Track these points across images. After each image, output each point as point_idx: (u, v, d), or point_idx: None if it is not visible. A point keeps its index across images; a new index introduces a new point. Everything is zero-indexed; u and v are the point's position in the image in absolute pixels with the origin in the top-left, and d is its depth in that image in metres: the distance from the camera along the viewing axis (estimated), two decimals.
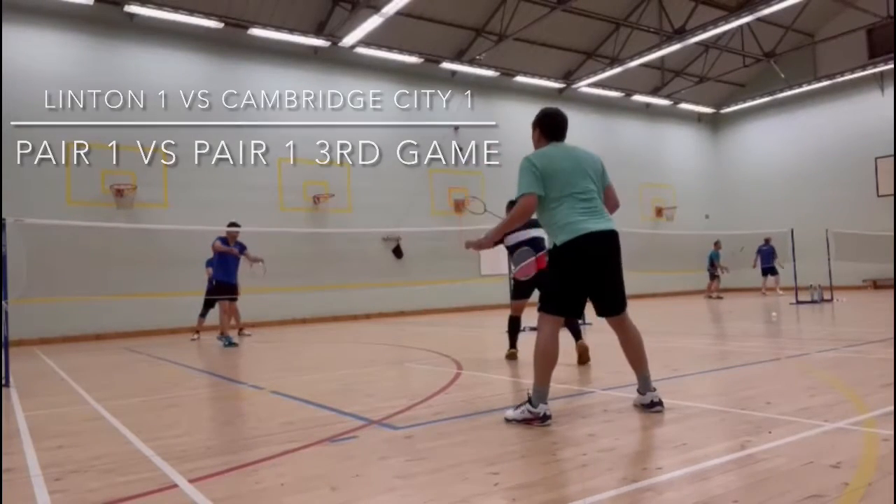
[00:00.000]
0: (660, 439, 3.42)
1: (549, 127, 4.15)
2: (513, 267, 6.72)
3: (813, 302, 14.92)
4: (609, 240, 3.91)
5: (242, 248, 10.88)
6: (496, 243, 6.95)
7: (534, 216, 4.27)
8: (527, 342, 8.86)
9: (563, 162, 3.93)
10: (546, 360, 3.82)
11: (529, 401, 3.79)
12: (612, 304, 4.02)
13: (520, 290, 6.99)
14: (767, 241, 19.61)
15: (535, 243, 6.50)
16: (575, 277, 3.88)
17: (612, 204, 4.20)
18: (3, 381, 6.33)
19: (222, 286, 10.74)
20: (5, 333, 6.81)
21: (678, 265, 22.65)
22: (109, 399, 5.51)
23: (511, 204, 7.21)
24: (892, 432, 3.13)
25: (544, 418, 3.72)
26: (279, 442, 3.64)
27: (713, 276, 20.35)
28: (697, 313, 14.10)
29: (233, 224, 10.88)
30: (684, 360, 6.54)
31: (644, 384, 4.02)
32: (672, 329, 10.34)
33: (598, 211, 3.94)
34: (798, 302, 14.93)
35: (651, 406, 3.96)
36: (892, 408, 3.70)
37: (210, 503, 2.64)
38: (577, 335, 6.43)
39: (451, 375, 5.93)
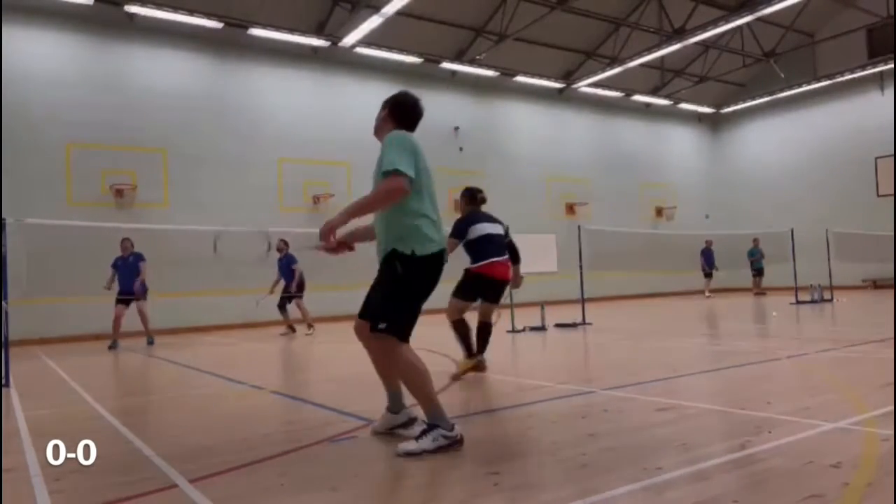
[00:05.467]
0: (660, 439, 3.42)
1: (408, 119, 3.64)
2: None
3: (813, 302, 14.91)
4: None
5: (138, 258, 11.22)
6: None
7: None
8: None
9: (425, 161, 3.43)
10: (423, 377, 3.34)
11: (434, 426, 3.25)
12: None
13: (473, 292, 5.87)
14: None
15: (496, 241, 5.82)
16: (423, 296, 3.40)
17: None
18: (3, 381, 6.32)
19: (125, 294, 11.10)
20: (5, 333, 6.80)
21: (678, 265, 22.64)
22: (109, 399, 5.51)
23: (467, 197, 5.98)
24: (892, 432, 3.13)
25: (461, 441, 3.29)
26: (279, 442, 3.64)
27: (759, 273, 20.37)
28: (696, 313, 14.09)
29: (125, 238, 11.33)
30: (684, 360, 6.54)
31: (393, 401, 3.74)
32: (672, 329, 10.34)
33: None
34: (798, 302, 14.93)
35: (405, 426, 3.61)
36: (892, 408, 3.70)
37: (210, 503, 2.65)
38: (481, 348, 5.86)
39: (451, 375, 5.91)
